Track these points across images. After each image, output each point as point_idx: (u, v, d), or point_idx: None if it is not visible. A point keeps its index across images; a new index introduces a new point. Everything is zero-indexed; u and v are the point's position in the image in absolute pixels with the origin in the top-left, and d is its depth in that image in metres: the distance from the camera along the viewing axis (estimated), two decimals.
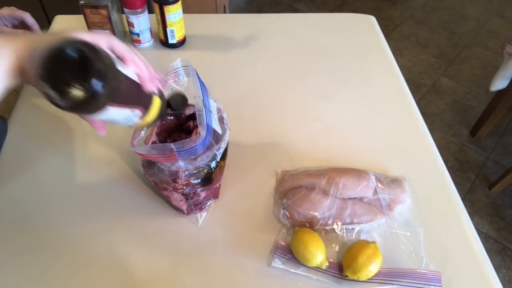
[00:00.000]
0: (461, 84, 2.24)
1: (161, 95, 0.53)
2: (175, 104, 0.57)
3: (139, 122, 0.49)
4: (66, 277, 0.60)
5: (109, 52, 0.41)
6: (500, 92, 1.72)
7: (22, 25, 0.71)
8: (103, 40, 0.42)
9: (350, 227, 0.65)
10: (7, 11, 0.69)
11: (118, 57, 0.44)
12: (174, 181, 0.59)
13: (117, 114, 0.43)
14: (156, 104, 0.51)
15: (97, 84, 0.36)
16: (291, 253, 0.62)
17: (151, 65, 0.50)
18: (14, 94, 2.15)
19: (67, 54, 0.35)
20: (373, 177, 0.68)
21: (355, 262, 0.58)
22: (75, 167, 0.73)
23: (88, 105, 0.37)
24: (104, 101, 0.38)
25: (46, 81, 0.35)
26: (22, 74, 0.39)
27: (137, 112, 0.47)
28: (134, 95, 0.46)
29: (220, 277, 0.60)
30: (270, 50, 1.01)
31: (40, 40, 0.38)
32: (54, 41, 0.36)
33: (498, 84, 1.64)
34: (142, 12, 0.93)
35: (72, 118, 0.82)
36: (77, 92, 0.35)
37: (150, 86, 0.46)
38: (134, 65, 0.44)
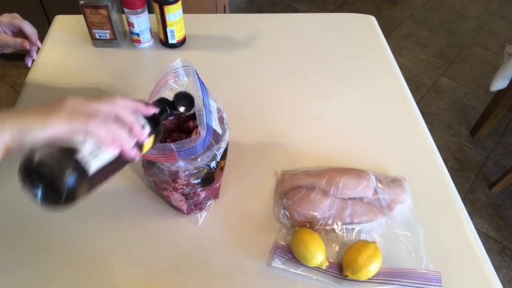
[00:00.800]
0: (461, 84, 2.24)
1: (155, 121, 0.51)
2: (182, 105, 0.57)
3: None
4: (66, 277, 0.60)
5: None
6: (500, 92, 1.72)
7: (21, 33, 0.71)
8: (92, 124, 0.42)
9: (350, 227, 0.65)
10: (6, 18, 0.69)
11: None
12: (174, 181, 0.59)
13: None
14: (149, 144, 0.50)
15: (67, 194, 0.38)
16: (291, 253, 0.62)
17: (138, 102, 0.49)
18: (14, 94, 2.14)
19: (36, 168, 0.38)
20: (373, 177, 0.68)
21: (355, 262, 0.58)
22: None
23: (68, 202, 0.39)
24: (83, 193, 0.40)
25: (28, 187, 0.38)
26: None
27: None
28: (117, 165, 0.46)
29: (220, 277, 0.60)
30: (270, 50, 1.01)
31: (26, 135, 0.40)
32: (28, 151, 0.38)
33: (498, 84, 1.64)
34: (142, 12, 0.93)
35: None
36: (53, 199, 0.39)
37: (132, 154, 0.45)
38: (116, 144, 0.43)
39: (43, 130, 0.40)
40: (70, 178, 0.38)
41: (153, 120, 0.51)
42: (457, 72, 2.32)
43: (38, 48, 0.74)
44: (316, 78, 0.94)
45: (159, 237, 0.65)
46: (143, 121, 0.48)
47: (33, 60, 0.75)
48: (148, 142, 0.50)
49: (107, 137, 0.42)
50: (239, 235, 0.65)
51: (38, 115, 0.41)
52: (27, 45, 0.70)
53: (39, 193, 0.39)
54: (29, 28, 0.71)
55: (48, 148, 0.38)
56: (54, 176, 0.38)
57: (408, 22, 2.68)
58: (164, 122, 0.66)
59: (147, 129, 0.49)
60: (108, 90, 0.89)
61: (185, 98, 0.58)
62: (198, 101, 0.57)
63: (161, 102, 0.56)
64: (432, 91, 2.19)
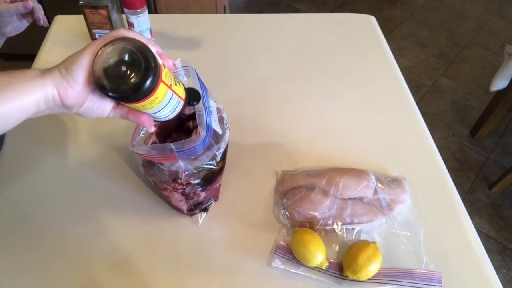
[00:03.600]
0: (461, 84, 2.24)
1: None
2: (190, 97, 0.57)
3: (180, 107, 0.51)
4: (66, 277, 0.60)
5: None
6: (500, 92, 1.72)
7: None
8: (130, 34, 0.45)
9: (350, 227, 0.65)
10: None
11: None
12: (174, 181, 0.59)
13: (168, 99, 0.46)
14: (182, 85, 0.52)
15: (150, 68, 0.40)
16: (291, 253, 0.62)
17: None
18: None
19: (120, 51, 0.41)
20: (373, 177, 0.68)
21: (355, 262, 0.58)
22: (75, 167, 0.73)
23: (146, 88, 0.41)
24: (156, 80, 0.42)
25: (107, 77, 0.41)
26: (55, 101, 0.43)
27: (177, 96, 0.49)
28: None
29: (220, 277, 0.60)
30: (270, 50, 1.01)
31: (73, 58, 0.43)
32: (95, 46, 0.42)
33: (498, 84, 1.64)
34: (142, 12, 0.93)
35: (72, 118, 0.82)
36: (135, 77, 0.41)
37: (169, 61, 0.49)
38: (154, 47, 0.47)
39: (84, 50, 0.42)
40: (147, 53, 0.41)
41: None
42: (457, 72, 2.32)
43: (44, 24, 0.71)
44: (316, 78, 0.94)
45: (159, 237, 0.65)
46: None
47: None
48: (181, 83, 0.51)
49: (141, 37, 0.44)
50: (239, 235, 0.65)
51: (74, 53, 0.44)
52: (30, 4, 0.64)
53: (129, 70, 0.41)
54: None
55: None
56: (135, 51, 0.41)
57: (408, 22, 2.68)
58: (164, 122, 0.66)
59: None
60: None
61: (191, 93, 0.58)
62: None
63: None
64: (432, 91, 2.19)
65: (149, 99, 0.43)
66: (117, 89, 0.41)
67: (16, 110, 0.41)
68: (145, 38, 0.46)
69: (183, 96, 0.52)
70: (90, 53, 0.42)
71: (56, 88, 0.42)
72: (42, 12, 0.69)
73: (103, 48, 0.42)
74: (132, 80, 0.40)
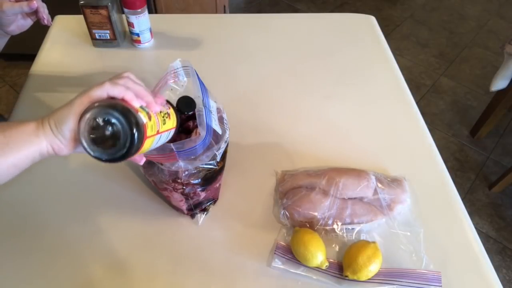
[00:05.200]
0: (461, 84, 2.24)
1: (169, 104, 0.55)
2: (184, 107, 0.58)
3: (171, 135, 0.53)
4: (66, 276, 0.60)
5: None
6: (500, 92, 1.72)
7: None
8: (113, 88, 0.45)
9: (350, 227, 0.65)
10: None
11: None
12: (174, 181, 0.59)
13: (156, 141, 0.48)
14: (173, 113, 0.53)
15: (133, 139, 0.41)
16: (291, 253, 0.62)
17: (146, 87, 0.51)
18: (14, 94, 2.14)
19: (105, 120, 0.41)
20: (373, 177, 0.68)
21: (355, 262, 0.58)
22: (75, 167, 0.74)
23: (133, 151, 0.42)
24: (140, 143, 0.43)
25: (95, 146, 0.42)
26: (49, 153, 0.46)
27: (167, 132, 0.51)
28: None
29: (220, 277, 0.60)
30: (270, 50, 1.01)
31: (61, 117, 0.44)
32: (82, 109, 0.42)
33: (498, 84, 1.64)
34: (142, 12, 0.93)
35: None
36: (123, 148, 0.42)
37: (156, 107, 0.48)
38: (142, 101, 0.47)
39: (71, 110, 0.43)
40: (129, 118, 0.41)
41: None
42: (457, 72, 2.32)
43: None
44: (316, 78, 0.94)
45: (159, 237, 0.65)
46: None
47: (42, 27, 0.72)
48: (172, 112, 0.52)
49: (126, 92, 0.44)
50: (239, 235, 0.65)
51: (65, 105, 0.44)
52: (34, 4, 0.65)
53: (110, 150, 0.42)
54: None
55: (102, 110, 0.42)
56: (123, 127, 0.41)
57: (408, 22, 2.68)
58: None
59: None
60: None
61: (186, 101, 0.58)
62: (198, 101, 0.57)
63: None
64: (432, 91, 2.19)
65: (136, 154, 0.44)
66: (102, 157, 0.43)
67: (11, 168, 0.45)
68: (135, 86, 0.46)
69: (174, 125, 0.53)
70: (76, 115, 0.43)
71: (50, 145, 0.45)
72: (46, 11, 0.69)
73: (84, 115, 0.42)
74: (116, 150, 0.42)
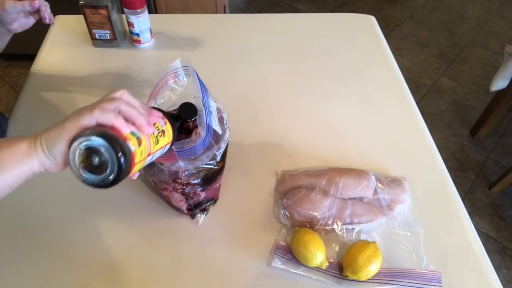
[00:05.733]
0: (461, 84, 2.24)
1: (167, 117, 0.53)
2: (185, 115, 0.57)
3: (166, 150, 0.53)
4: (66, 276, 0.60)
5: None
6: (500, 92, 1.72)
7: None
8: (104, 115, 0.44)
9: (350, 227, 0.65)
10: None
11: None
12: (174, 181, 0.59)
13: (149, 161, 0.49)
14: (168, 128, 0.52)
15: (120, 168, 0.41)
16: (291, 253, 0.62)
17: (141, 103, 0.50)
18: (14, 94, 2.14)
19: (95, 148, 0.41)
20: (373, 177, 0.68)
21: (355, 262, 0.58)
22: None
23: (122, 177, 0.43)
24: (128, 169, 0.43)
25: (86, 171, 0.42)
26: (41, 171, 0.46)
27: (160, 149, 0.51)
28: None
29: (220, 277, 0.60)
30: (270, 50, 1.01)
31: (53, 140, 0.44)
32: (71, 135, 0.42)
33: (498, 84, 1.64)
34: (142, 12, 0.93)
35: None
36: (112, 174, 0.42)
37: (149, 130, 0.48)
38: (132, 127, 0.46)
39: (61, 135, 0.43)
40: (118, 148, 0.41)
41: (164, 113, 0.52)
42: (457, 72, 2.32)
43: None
44: (316, 78, 0.94)
45: (159, 237, 0.65)
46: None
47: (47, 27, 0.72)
48: (168, 127, 0.51)
49: (116, 120, 0.44)
50: (239, 235, 0.65)
51: (55, 127, 0.44)
52: (36, 3, 0.64)
53: (99, 176, 0.42)
54: None
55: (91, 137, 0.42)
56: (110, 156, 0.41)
57: (408, 22, 2.68)
58: None
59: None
60: (108, 90, 0.89)
61: (187, 109, 0.58)
62: (198, 101, 0.57)
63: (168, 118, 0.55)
64: (432, 91, 2.19)
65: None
66: (91, 184, 0.43)
67: (4, 188, 0.45)
68: (127, 109, 0.45)
69: (170, 140, 0.52)
70: (66, 141, 0.43)
71: (42, 165, 0.45)
72: (48, 10, 0.69)
73: (72, 143, 0.42)
74: (105, 177, 0.42)
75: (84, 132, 0.42)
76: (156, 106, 0.60)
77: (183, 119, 0.57)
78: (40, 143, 0.45)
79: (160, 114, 0.52)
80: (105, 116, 0.43)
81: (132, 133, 0.45)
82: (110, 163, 0.41)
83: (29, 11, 0.66)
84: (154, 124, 0.49)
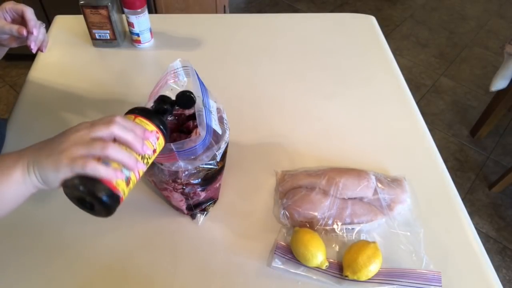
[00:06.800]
0: (461, 84, 2.24)
1: (161, 129, 0.52)
2: (183, 104, 0.57)
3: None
4: (66, 276, 0.60)
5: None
6: (500, 92, 1.72)
7: (22, 20, 0.67)
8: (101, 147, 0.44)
9: (350, 227, 0.65)
10: (10, 4, 0.67)
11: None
12: (174, 181, 0.59)
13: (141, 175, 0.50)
14: (161, 142, 0.52)
15: (108, 209, 0.44)
16: (291, 253, 0.62)
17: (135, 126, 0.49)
18: (14, 94, 2.14)
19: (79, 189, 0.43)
20: (373, 177, 0.68)
21: (355, 262, 0.58)
22: None
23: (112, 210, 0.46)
24: (118, 204, 0.46)
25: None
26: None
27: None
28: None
29: (220, 277, 0.60)
30: (270, 50, 1.01)
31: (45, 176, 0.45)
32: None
33: (498, 84, 1.64)
34: (142, 12, 0.93)
35: (71, 118, 0.82)
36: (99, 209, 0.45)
37: (140, 165, 0.48)
38: (122, 175, 0.47)
39: (57, 177, 0.44)
40: (104, 197, 0.44)
41: (157, 121, 0.51)
42: (457, 72, 2.32)
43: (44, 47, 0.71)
44: (316, 78, 0.94)
45: (159, 237, 0.65)
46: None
47: (39, 51, 0.70)
48: (160, 142, 0.51)
49: (105, 172, 0.44)
50: (239, 235, 0.65)
51: (50, 161, 0.44)
52: (24, 31, 0.65)
53: (87, 206, 0.46)
54: (29, 14, 0.67)
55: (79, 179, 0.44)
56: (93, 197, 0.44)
57: (408, 22, 2.68)
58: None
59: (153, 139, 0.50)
60: (108, 90, 0.89)
61: (185, 96, 0.58)
62: (198, 101, 0.57)
63: (163, 101, 0.55)
64: (432, 91, 2.19)
65: None
66: (88, 212, 0.46)
67: (8, 212, 0.47)
68: (116, 154, 0.44)
69: (161, 146, 0.52)
70: (60, 181, 0.44)
71: (38, 189, 0.47)
72: (41, 37, 0.68)
73: (65, 188, 0.45)
74: (97, 213, 0.46)
75: (72, 182, 0.44)
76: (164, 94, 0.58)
77: (180, 107, 0.57)
78: (34, 173, 0.45)
79: (154, 131, 0.50)
80: (96, 168, 0.43)
81: (122, 179, 0.45)
82: (99, 208, 0.44)
83: (15, 35, 0.65)
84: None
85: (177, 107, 0.57)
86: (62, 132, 0.47)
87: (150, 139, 0.49)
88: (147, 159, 0.49)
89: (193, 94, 0.56)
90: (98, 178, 0.43)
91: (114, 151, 0.44)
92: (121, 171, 0.45)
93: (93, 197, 0.43)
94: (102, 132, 0.45)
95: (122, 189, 0.45)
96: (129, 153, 0.46)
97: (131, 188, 0.47)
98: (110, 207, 0.44)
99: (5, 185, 0.45)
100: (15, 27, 0.65)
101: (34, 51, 0.68)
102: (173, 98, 0.57)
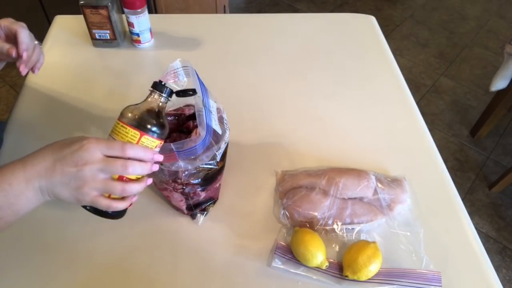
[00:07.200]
0: (461, 84, 2.24)
1: (159, 125, 0.53)
2: (185, 92, 0.58)
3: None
4: (66, 276, 0.60)
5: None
6: (500, 92, 1.72)
7: (15, 39, 0.64)
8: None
9: (350, 227, 0.65)
10: (6, 22, 0.65)
11: None
12: (174, 181, 0.59)
13: None
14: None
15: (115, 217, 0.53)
16: (291, 253, 0.62)
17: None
18: (14, 94, 2.14)
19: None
20: (373, 177, 0.68)
21: (355, 262, 0.58)
22: None
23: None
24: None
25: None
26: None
27: None
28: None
29: (220, 277, 0.60)
30: (270, 50, 1.01)
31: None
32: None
33: (498, 84, 1.64)
34: (142, 12, 0.93)
35: (71, 118, 0.82)
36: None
37: (154, 167, 0.51)
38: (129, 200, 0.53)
39: (70, 199, 0.48)
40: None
41: (157, 125, 0.50)
42: (457, 72, 2.32)
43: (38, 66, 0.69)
44: (316, 78, 0.94)
45: (159, 237, 0.65)
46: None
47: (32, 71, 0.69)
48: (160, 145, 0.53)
49: (124, 204, 0.51)
50: (239, 235, 0.65)
51: (66, 194, 0.47)
52: (13, 52, 0.62)
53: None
54: (22, 37, 0.64)
55: None
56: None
57: (408, 22, 2.68)
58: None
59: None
60: (108, 90, 0.89)
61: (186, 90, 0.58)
62: (198, 101, 0.57)
63: (163, 86, 0.53)
64: (432, 91, 2.19)
65: None
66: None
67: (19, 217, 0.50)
68: (125, 188, 0.48)
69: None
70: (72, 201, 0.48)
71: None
72: (34, 58, 0.66)
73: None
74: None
75: (92, 210, 0.51)
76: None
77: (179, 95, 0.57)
78: (48, 196, 0.47)
79: (159, 144, 0.52)
80: (114, 208, 0.50)
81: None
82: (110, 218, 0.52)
83: (5, 53, 0.63)
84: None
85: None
86: (70, 150, 0.46)
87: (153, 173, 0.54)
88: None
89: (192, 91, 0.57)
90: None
91: (132, 169, 0.47)
92: (134, 196, 0.53)
93: (110, 217, 0.52)
94: (117, 169, 0.47)
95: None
96: (143, 166, 0.49)
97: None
98: (123, 215, 0.53)
99: (20, 205, 0.47)
100: (6, 47, 0.63)
101: (23, 74, 0.66)
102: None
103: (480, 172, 1.81)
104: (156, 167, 0.50)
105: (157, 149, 0.52)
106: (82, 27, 0.97)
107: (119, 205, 0.49)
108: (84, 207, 0.50)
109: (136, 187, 0.49)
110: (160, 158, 0.51)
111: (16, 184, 0.45)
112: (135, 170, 0.47)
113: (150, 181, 0.52)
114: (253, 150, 0.78)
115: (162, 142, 0.52)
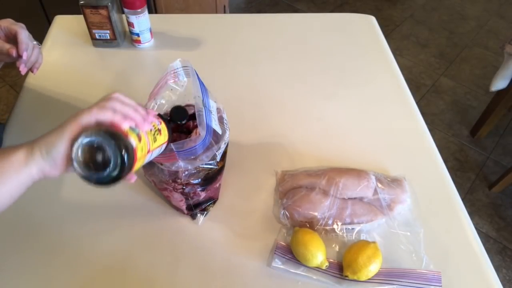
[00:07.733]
0: (461, 84, 2.24)
1: (161, 117, 0.54)
2: (177, 117, 0.58)
3: (162, 149, 0.53)
4: (66, 276, 0.60)
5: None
6: (500, 92, 1.72)
7: (14, 39, 0.66)
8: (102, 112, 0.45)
9: (350, 227, 0.65)
10: (6, 23, 0.66)
11: None
12: (174, 181, 0.59)
13: (148, 159, 0.50)
14: (164, 127, 0.53)
15: (123, 165, 0.42)
16: (291, 253, 0.62)
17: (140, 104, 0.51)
18: (14, 94, 2.14)
19: (98, 144, 0.42)
20: (373, 177, 0.68)
21: (355, 262, 0.58)
22: None
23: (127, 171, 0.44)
24: (131, 166, 0.44)
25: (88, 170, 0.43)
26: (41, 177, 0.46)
27: (158, 148, 0.52)
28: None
29: (220, 277, 0.60)
30: (270, 50, 1.01)
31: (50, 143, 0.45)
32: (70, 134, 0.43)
33: (498, 84, 1.64)
34: (142, 12, 0.93)
35: None
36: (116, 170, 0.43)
37: (146, 126, 0.48)
38: (131, 122, 0.47)
39: (62, 136, 0.43)
40: (120, 142, 0.42)
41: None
42: (457, 72, 2.32)
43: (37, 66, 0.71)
44: (316, 78, 0.94)
45: (159, 237, 0.65)
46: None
47: (31, 70, 0.70)
48: (164, 128, 0.52)
49: (114, 116, 0.45)
50: (239, 235, 0.65)
51: (53, 131, 0.45)
52: (13, 52, 0.64)
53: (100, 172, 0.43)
54: (22, 37, 0.65)
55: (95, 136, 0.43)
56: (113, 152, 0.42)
57: (408, 22, 2.68)
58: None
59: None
60: (108, 90, 0.89)
61: (178, 112, 0.58)
62: (198, 101, 0.57)
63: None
64: (432, 91, 2.19)
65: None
66: (93, 181, 0.43)
67: (7, 198, 0.46)
68: (123, 108, 0.46)
69: (166, 139, 0.53)
70: (67, 141, 0.43)
71: (41, 171, 0.45)
72: (33, 59, 0.68)
73: (75, 142, 0.43)
74: (108, 174, 0.43)
75: (86, 131, 0.42)
76: (156, 107, 0.60)
77: (175, 123, 0.58)
78: (38, 148, 0.45)
79: (155, 113, 0.52)
80: (104, 114, 0.44)
81: (132, 129, 0.45)
82: (114, 159, 0.42)
83: (5, 53, 0.64)
84: (150, 122, 0.50)
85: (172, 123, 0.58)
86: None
87: (152, 119, 0.50)
88: (153, 134, 0.49)
89: (184, 108, 0.58)
90: (109, 127, 0.43)
91: (119, 105, 0.45)
92: (127, 118, 0.45)
93: (105, 140, 0.42)
94: (105, 103, 0.46)
95: (134, 139, 0.44)
96: (135, 110, 0.47)
97: (143, 152, 0.46)
98: (126, 156, 0.42)
99: (6, 165, 0.44)
100: (6, 46, 0.64)
101: (23, 73, 0.67)
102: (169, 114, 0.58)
103: (480, 172, 1.81)
104: (148, 125, 0.49)
105: (160, 149, 0.51)
106: (82, 27, 0.97)
107: (108, 114, 0.45)
108: (76, 160, 0.43)
109: (126, 108, 0.47)
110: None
111: (13, 146, 0.46)
112: (121, 106, 0.46)
113: (147, 125, 0.49)
114: (253, 150, 0.78)
115: (166, 143, 0.52)
